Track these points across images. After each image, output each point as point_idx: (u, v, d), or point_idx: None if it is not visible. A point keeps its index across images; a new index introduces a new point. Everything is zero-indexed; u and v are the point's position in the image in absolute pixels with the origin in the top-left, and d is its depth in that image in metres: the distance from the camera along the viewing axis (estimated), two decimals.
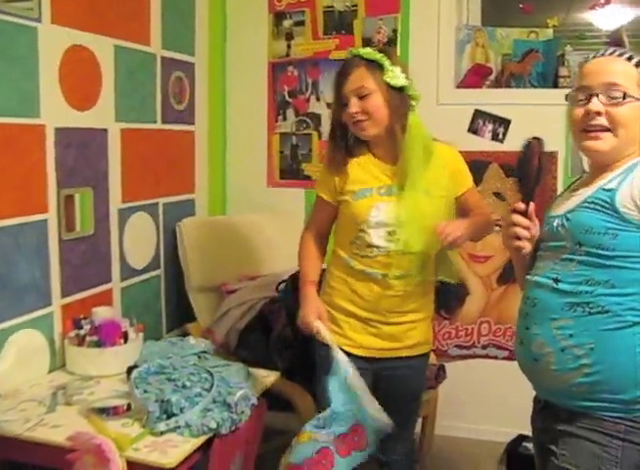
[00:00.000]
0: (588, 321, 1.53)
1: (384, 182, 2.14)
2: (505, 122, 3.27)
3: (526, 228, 1.64)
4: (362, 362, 2.18)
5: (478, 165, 3.28)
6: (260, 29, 3.55)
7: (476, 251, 3.33)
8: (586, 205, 1.57)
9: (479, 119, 3.31)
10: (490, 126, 3.30)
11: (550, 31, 3.37)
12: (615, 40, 3.21)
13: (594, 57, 1.65)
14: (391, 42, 3.35)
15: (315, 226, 2.34)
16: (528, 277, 1.69)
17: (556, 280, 1.59)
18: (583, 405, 1.56)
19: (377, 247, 2.13)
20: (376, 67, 2.08)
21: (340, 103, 2.13)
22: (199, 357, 2.50)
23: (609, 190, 1.56)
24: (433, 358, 3.15)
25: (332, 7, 3.44)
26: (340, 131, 2.19)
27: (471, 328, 3.43)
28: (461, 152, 3.05)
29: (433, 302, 2.32)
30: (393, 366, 2.23)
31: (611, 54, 1.63)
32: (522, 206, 1.64)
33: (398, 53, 3.34)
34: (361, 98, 2.07)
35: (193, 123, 3.42)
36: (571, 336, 1.54)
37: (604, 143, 1.60)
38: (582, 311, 1.54)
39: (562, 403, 1.60)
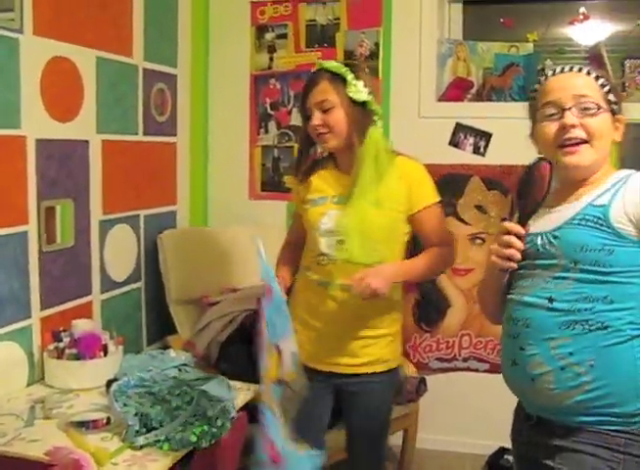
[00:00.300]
0: (588, 338, 1.52)
1: (339, 192, 2.15)
2: (486, 136, 3.29)
3: (519, 250, 1.60)
4: (322, 377, 2.18)
5: (459, 179, 3.32)
6: (243, 42, 3.56)
7: (456, 264, 3.31)
8: (577, 222, 1.56)
9: (460, 133, 3.33)
10: (471, 140, 3.32)
11: (530, 46, 3.42)
12: (593, 55, 3.29)
13: (553, 74, 1.67)
14: (374, 55, 3.37)
15: (289, 235, 2.40)
16: (513, 297, 1.66)
17: (550, 299, 1.56)
18: (581, 420, 1.54)
19: (326, 255, 2.14)
20: (339, 80, 2.09)
21: (304, 115, 2.15)
22: (179, 370, 2.47)
23: (600, 206, 1.55)
24: (413, 371, 3.19)
25: (314, 20, 3.46)
26: (307, 143, 2.21)
27: (452, 341, 3.43)
28: (442, 165, 3.24)
29: (399, 319, 2.27)
30: (353, 383, 2.20)
31: (570, 70, 1.65)
32: (520, 230, 1.60)
33: (380, 66, 3.38)
34: (324, 111, 2.09)
35: (175, 135, 3.42)
36: (570, 354, 1.52)
37: (584, 157, 1.59)
38: (582, 329, 1.52)
39: (558, 419, 1.58)
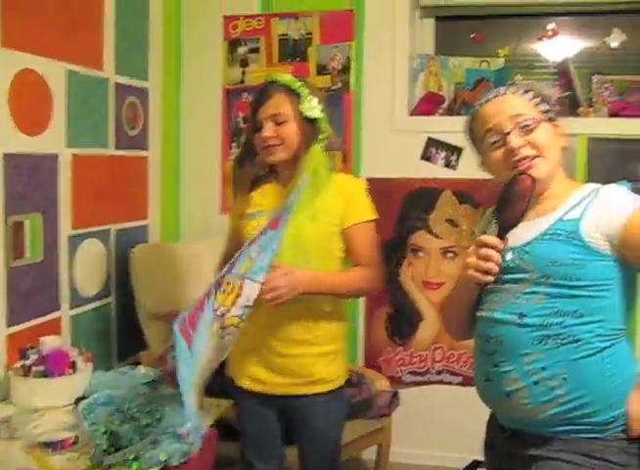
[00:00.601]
0: (560, 352, 1.53)
1: (277, 205, 2.12)
2: (458, 150, 3.30)
3: (497, 264, 1.58)
4: (265, 399, 2.16)
5: (431, 192, 3.34)
6: (215, 56, 3.55)
7: (428, 277, 3.36)
8: (548, 236, 1.57)
9: (432, 147, 3.35)
10: (443, 154, 3.34)
11: (501, 61, 3.44)
12: (562, 71, 3.35)
13: (487, 101, 1.69)
14: (346, 70, 3.38)
15: (227, 248, 2.34)
16: (483, 313, 1.65)
17: (521, 315, 1.56)
18: (556, 430, 1.56)
19: None
20: (294, 95, 2.10)
21: (253, 127, 2.14)
22: (149, 387, 2.45)
23: (571, 220, 1.56)
24: (386, 385, 3.17)
25: (287, 35, 3.46)
26: (248, 155, 2.20)
27: (425, 354, 3.43)
28: (414, 179, 3.29)
29: (340, 335, 2.21)
30: (296, 405, 2.16)
31: (495, 97, 1.68)
32: (498, 243, 1.57)
33: (352, 80, 3.39)
34: (277, 124, 2.09)
35: (146, 149, 3.41)
36: (543, 369, 1.53)
37: (540, 170, 1.60)
38: (554, 343, 1.53)
39: (533, 431, 1.59)
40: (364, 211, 2.15)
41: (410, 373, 3.45)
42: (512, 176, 1.59)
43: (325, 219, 2.08)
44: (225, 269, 1.97)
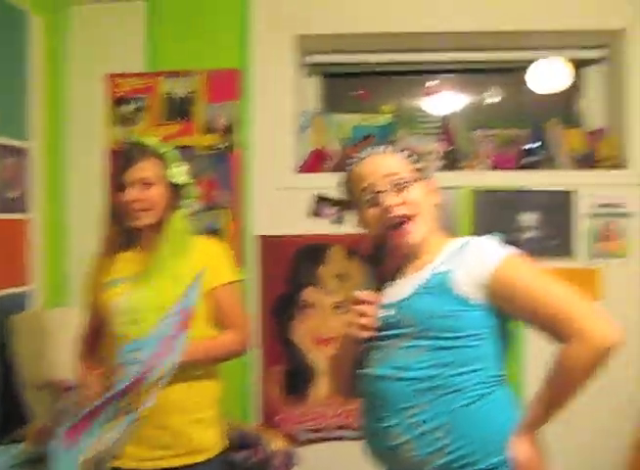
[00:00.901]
0: (441, 403, 1.55)
1: (138, 270, 2.11)
2: (346, 205, 3.28)
3: (374, 318, 1.63)
4: None
5: (320, 248, 3.33)
6: (99, 115, 3.48)
7: (321, 333, 3.34)
8: (423, 290, 1.60)
9: (320, 203, 3.35)
10: (332, 210, 3.34)
11: (386, 117, 3.50)
12: (445, 126, 3.43)
13: (361, 160, 1.71)
14: (233, 128, 3.37)
15: (86, 331, 2.28)
16: (366, 371, 1.67)
17: (401, 369, 1.59)
18: None
19: (121, 335, 2.06)
20: (161, 159, 2.11)
21: (118, 189, 2.11)
22: (29, 465, 2.32)
23: (442, 273, 1.60)
24: (282, 445, 3.08)
25: (172, 93, 3.43)
26: (113, 219, 2.17)
27: (321, 410, 3.38)
28: (303, 235, 3.28)
29: (216, 398, 2.19)
30: None
31: (378, 153, 1.71)
32: (373, 298, 1.62)
33: (239, 139, 3.37)
34: (144, 187, 2.07)
35: (27, 212, 3.28)
36: (426, 421, 1.55)
37: (415, 235, 1.64)
38: (435, 395, 1.55)
39: None
40: (227, 272, 2.17)
41: (307, 430, 3.39)
42: (385, 234, 1.64)
43: (187, 282, 2.03)
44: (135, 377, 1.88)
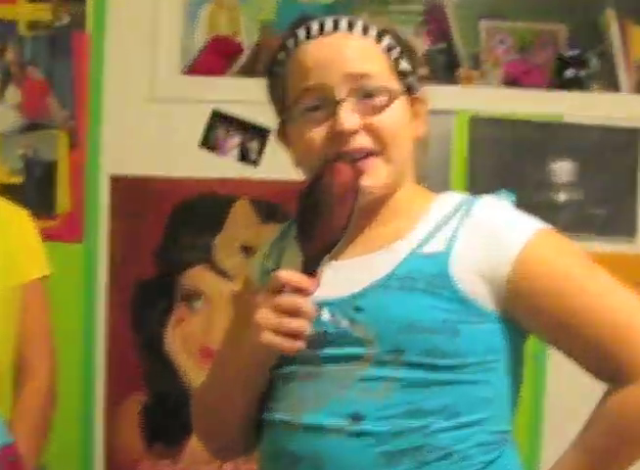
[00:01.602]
0: None
1: None
2: (263, 133, 2.49)
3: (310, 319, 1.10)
4: None
5: (216, 203, 2.51)
6: None
7: (211, 341, 2.44)
8: (395, 282, 1.10)
9: (219, 126, 2.54)
10: (238, 139, 2.54)
11: None
12: (433, 11, 2.77)
13: (311, 37, 1.19)
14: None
15: None
16: (280, 416, 1.15)
17: (355, 417, 1.10)
18: None
19: None
20: None
21: None
22: None
23: (433, 255, 1.13)
24: None
25: None
26: None
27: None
28: (188, 180, 2.54)
29: None
30: None
31: (336, 28, 1.19)
32: (307, 284, 1.05)
33: (90, 14, 2.51)
34: None
35: None
36: None
37: (378, 177, 1.16)
38: (412, 463, 1.08)
39: None
40: (34, 262, 1.81)
41: None
42: (322, 166, 1.16)
43: None
44: None
